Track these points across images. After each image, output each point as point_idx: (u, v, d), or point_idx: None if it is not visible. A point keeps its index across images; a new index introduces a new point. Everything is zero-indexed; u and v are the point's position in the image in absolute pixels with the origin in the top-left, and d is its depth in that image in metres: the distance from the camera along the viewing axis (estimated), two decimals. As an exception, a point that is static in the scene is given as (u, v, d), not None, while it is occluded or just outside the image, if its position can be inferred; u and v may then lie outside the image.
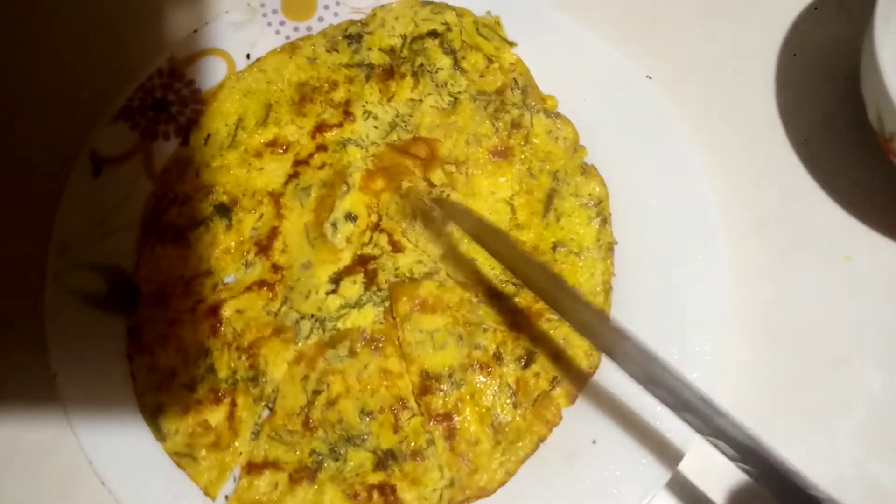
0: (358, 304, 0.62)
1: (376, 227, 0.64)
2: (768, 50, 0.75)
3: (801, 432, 0.62)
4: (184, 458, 0.59)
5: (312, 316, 0.62)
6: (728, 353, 0.61)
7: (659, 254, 0.63)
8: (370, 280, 0.62)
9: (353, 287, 0.62)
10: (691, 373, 0.58)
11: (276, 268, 0.63)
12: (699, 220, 0.64)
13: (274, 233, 0.64)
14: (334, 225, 0.64)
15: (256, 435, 0.60)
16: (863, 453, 0.61)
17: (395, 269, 0.63)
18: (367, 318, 0.62)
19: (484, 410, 0.59)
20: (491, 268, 0.63)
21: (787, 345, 0.64)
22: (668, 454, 0.57)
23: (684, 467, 0.59)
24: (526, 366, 0.60)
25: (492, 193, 0.65)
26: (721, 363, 0.60)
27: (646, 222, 0.64)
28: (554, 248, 0.63)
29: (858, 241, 0.67)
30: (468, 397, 0.59)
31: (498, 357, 0.60)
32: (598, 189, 0.65)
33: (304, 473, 0.58)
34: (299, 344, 0.61)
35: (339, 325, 0.62)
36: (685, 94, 0.69)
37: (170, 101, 0.67)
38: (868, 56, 0.63)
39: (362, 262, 0.63)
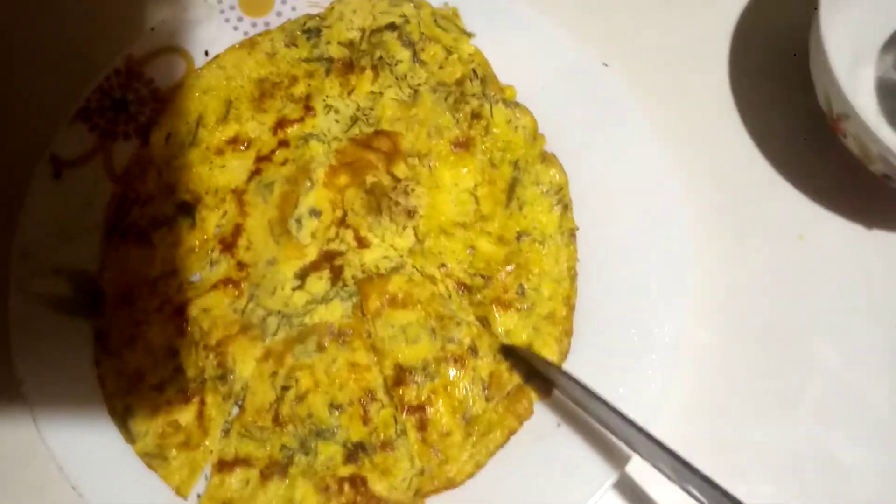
0: (325, 300, 0.62)
1: (341, 222, 0.64)
2: (722, 35, 0.76)
3: (760, 411, 0.64)
4: (154, 458, 0.59)
5: (279, 312, 0.62)
6: (687, 335, 0.62)
7: (620, 239, 0.65)
8: (336, 276, 0.63)
9: (319, 283, 0.63)
10: (650, 355, 0.61)
11: (241, 265, 0.63)
12: (659, 205, 0.65)
13: (238, 230, 0.64)
14: (299, 221, 0.64)
15: (227, 433, 0.60)
16: (821, 430, 0.64)
17: (362, 265, 0.63)
18: (334, 313, 0.62)
19: (457, 403, 0.60)
20: (458, 261, 0.64)
21: (745, 325, 0.66)
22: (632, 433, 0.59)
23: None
24: (502, 359, 0.61)
25: (455, 185, 0.66)
26: (680, 345, 0.61)
27: (607, 208, 0.65)
28: (518, 237, 0.64)
29: (812, 220, 0.69)
30: (441, 389, 0.60)
31: (472, 350, 0.61)
32: (557, 176, 0.66)
33: (275, 469, 0.59)
34: (267, 341, 0.62)
35: (307, 320, 0.62)
36: (641, 80, 0.70)
37: (129, 100, 0.67)
38: (815, 40, 0.65)
39: (328, 258, 0.63)
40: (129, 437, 0.60)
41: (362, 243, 0.64)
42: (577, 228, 0.65)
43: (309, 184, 0.65)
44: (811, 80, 0.68)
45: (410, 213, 0.64)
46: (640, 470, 0.59)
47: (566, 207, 0.65)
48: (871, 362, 0.66)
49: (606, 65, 0.68)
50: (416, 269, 0.63)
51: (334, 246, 0.64)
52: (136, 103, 0.67)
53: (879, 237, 0.69)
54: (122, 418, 0.60)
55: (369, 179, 0.65)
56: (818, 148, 0.70)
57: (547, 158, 0.67)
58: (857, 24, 0.71)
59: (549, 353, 0.61)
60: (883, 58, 0.73)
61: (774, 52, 0.75)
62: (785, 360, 0.65)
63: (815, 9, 0.64)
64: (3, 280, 0.62)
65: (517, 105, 0.68)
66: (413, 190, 0.65)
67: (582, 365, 0.61)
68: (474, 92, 0.68)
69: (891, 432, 0.64)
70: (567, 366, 0.61)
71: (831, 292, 0.67)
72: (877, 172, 0.65)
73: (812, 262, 0.68)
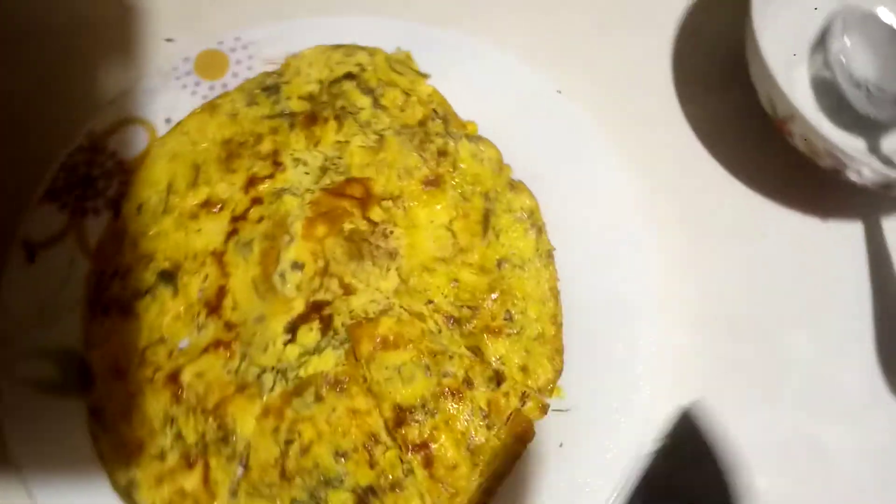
0: (317, 350, 0.63)
1: (325, 272, 0.65)
2: (664, 50, 0.80)
3: (743, 405, 0.66)
4: (166, 529, 0.59)
5: (273, 368, 0.62)
6: (667, 340, 0.64)
7: (593, 256, 0.67)
8: (326, 325, 0.64)
9: (310, 334, 0.63)
10: (636, 366, 0.63)
11: (229, 326, 0.64)
12: (624, 220, 0.68)
13: (222, 292, 0.65)
14: (282, 276, 0.65)
15: (234, 493, 0.60)
16: (802, 417, 0.66)
17: (350, 312, 0.64)
18: (327, 362, 0.63)
19: (459, 435, 0.61)
20: (444, 295, 0.65)
21: (720, 325, 0.69)
22: (632, 447, 0.61)
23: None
24: (498, 385, 0.62)
25: (431, 222, 0.67)
26: (663, 352, 0.63)
27: (578, 227, 0.68)
28: (499, 264, 0.66)
29: (771, 218, 0.73)
30: (443, 424, 0.61)
31: (468, 382, 0.62)
32: (528, 202, 0.68)
33: (289, 524, 0.59)
34: (264, 398, 0.62)
35: (301, 372, 0.62)
36: (593, 103, 0.72)
37: (95, 175, 0.67)
38: (751, 45, 0.69)
39: (316, 309, 0.64)
40: (137, 512, 0.59)
41: (348, 290, 0.65)
42: (554, 249, 0.67)
43: (288, 238, 0.66)
44: (752, 83, 0.71)
45: (392, 255, 0.66)
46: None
47: (540, 230, 0.67)
48: (843, 347, 0.69)
49: (560, 91, 0.71)
50: (404, 309, 0.65)
51: (320, 296, 0.65)
52: (103, 177, 0.67)
53: (835, 227, 0.73)
54: (127, 492, 0.60)
55: (347, 227, 0.66)
56: (768, 148, 0.74)
57: (515, 186, 0.69)
58: (788, 27, 0.75)
59: (544, 372, 0.63)
60: (814, 57, 0.78)
61: (715, 60, 0.79)
62: (762, 354, 0.68)
63: (748, 14, 0.68)
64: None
65: (480, 138, 0.70)
66: (391, 232, 0.66)
67: (575, 381, 0.63)
68: (437, 131, 0.70)
69: (870, 412, 0.67)
70: (561, 382, 0.63)
71: (797, 285, 0.71)
72: (826, 167, 0.69)
73: (775, 258, 0.71)
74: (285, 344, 0.63)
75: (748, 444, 0.65)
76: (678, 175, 0.74)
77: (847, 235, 0.73)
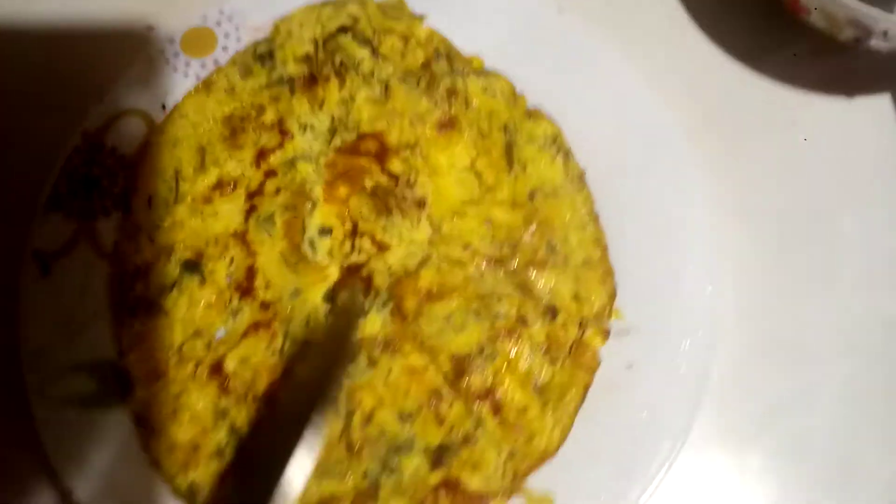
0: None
1: (354, 233, 0.62)
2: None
3: (806, 294, 0.64)
4: (238, 526, 0.56)
5: (320, 339, 0.60)
6: (717, 241, 0.61)
7: (628, 169, 0.64)
8: (367, 287, 0.61)
9: (351, 299, 0.61)
10: (692, 273, 0.60)
11: (265, 305, 0.61)
12: (653, 128, 0.64)
13: (251, 272, 0.61)
14: (311, 244, 0.62)
15: (302, 477, 0.57)
16: (863, 296, 0.64)
17: (388, 269, 0.61)
18: (374, 325, 0.60)
19: (523, 376, 0.58)
20: (480, 237, 0.62)
21: (767, 218, 0.66)
22: (703, 357, 0.58)
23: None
24: (553, 318, 0.59)
25: (452, 166, 0.64)
26: (714, 253, 0.61)
27: (606, 144, 0.64)
28: (531, 196, 0.63)
29: (798, 105, 0.70)
30: (504, 367, 0.58)
31: (522, 320, 0.59)
32: (549, 128, 0.65)
33: (364, 498, 0.56)
34: (317, 372, 0.59)
35: (349, 340, 0.60)
36: (598, 15, 0.69)
37: (97, 175, 0.63)
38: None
39: (353, 272, 0.61)
40: (204, 513, 0.56)
41: (382, 247, 0.62)
42: (585, 171, 0.64)
43: (310, 204, 0.62)
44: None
45: (420, 204, 0.63)
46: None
47: (567, 155, 0.64)
48: (893, 220, 0.67)
49: (562, 9, 0.68)
50: (442, 258, 0.62)
51: (355, 258, 0.62)
52: (106, 176, 0.64)
53: (863, 104, 0.70)
54: (190, 497, 0.57)
55: (368, 183, 0.63)
56: (782, 35, 0.71)
57: (533, 115, 0.66)
58: None
59: (598, 297, 0.60)
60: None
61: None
62: (814, 241, 0.66)
63: None
64: (20, 392, 0.58)
65: (488, 73, 0.67)
66: (415, 180, 0.63)
67: (631, 301, 0.61)
68: (443, 71, 0.66)
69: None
70: (618, 304, 0.61)
71: (835, 166, 0.68)
72: (847, 40, 0.66)
73: (808, 144, 0.69)
74: (327, 314, 0.60)
75: (816, 332, 0.63)
76: (696, 77, 0.70)
77: (877, 110, 0.70)
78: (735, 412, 0.61)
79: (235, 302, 0.61)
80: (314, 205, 0.63)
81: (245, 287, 0.61)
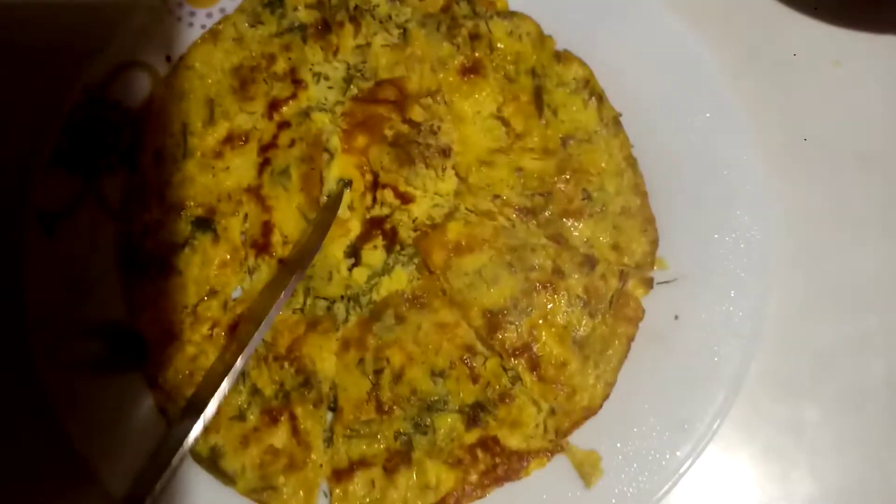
0: (386, 271, 0.57)
1: (375, 184, 0.59)
2: None
3: (859, 240, 0.61)
4: (263, 492, 0.53)
5: (344, 297, 0.56)
6: (764, 183, 0.58)
7: (667, 111, 0.60)
8: (391, 241, 0.57)
9: (374, 253, 0.57)
10: (739, 216, 0.57)
11: (283, 263, 0.57)
12: (691, 66, 0.61)
13: (267, 227, 0.58)
14: (330, 197, 0.58)
15: (329, 441, 0.54)
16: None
17: (413, 221, 0.58)
18: (400, 280, 0.57)
19: (561, 329, 0.55)
20: (510, 187, 0.58)
21: (813, 158, 0.63)
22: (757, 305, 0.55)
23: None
24: (591, 269, 0.56)
25: (477, 113, 0.60)
26: (762, 195, 0.57)
27: (642, 86, 0.61)
28: (563, 143, 0.60)
29: (840, 42, 0.66)
30: (541, 321, 0.55)
31: (558, 271, 0.56)
32: (580, 71, 0.61)
33: (397, 459, 0.53)
34: (340, 331, 0.55)
35: (374, 296, 0.56)
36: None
37: (101, 130, 0.60)
38: None
39: (376, 225, 0.58)
40: (227, 479, 0.53)
41: (405, 199, 0.58)
42: (620, 114, 0.60)
43: (327, 156, 0.59)
44: None
45: (445, 152, 0.59)
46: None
47: (600, 98, 0.61)
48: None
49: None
50: (470, 210, 0.58)
51: (377, 211, 0.58)
52: (111, 131, 0.60)
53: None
54: (212, 462, 0.53)
55: (388, 132, 0.59)
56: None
57: (562, 57, 0.62)
58: None
59: (639, 246, 0.57)
60: None
61: None
62: (867, 185, 0.62)
63: None
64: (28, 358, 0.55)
65: (513, 13, 0.63)
66: (439, 127, 0.59)
67: (676, 249, 0.57)
68: (464, 13, 0.63)
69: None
70: (661, 253, 0.57)
71: (887, 109, 0.65)
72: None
73: (858, 86, 0.65)
74: (350, 269, 0.57)
75: (871, 279, 0.60)
76: (736, 16, 0.67)
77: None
78: (788, 363, 0.57)
79: (252, 260, 0.57)
80: (332, 156, 0.59)
81: (262, 244, 0.58)
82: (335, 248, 0.57)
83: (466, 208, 0.58)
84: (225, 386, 0.53)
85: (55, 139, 0.59)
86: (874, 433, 0.57)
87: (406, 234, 0.57)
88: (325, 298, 0.56)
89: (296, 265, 0.55)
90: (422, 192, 0.59)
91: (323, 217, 0.57)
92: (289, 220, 0.58)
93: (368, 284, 0.56)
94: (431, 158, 0.59)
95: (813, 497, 0.56)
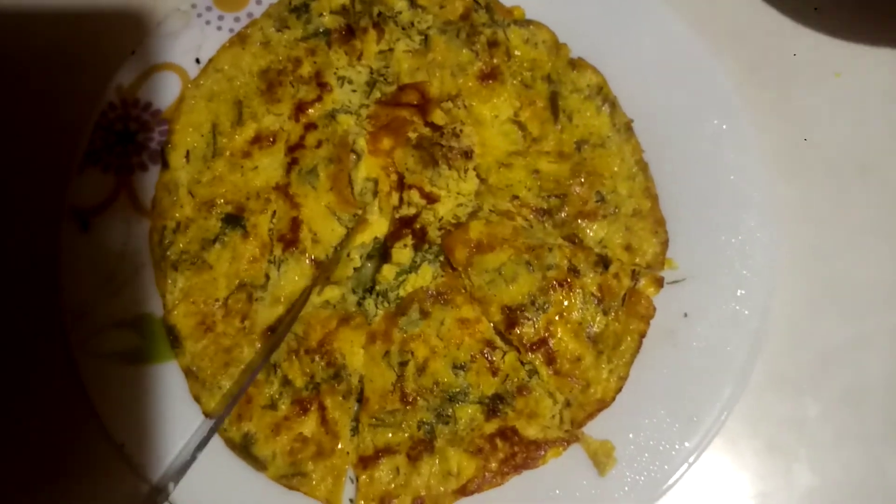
0: (413, 269, 0.59)
1: (400, 185, 0.61)
2: None
3: (859, 243, 0.64)
4: (293, 478, 0.55)
5: (372, 291, 0.59)
6: (771, 189, 0.61)
7: (678, 118, 0.63)
8: (420, 239, 0.60)
9: (404, 251, 0.59)
10: (747, 219, 0.60)
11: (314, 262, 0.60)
12: (702, 74, 0.63)
13: (295, 224, 0.60)
14: (362, 196, 0.61)
15: (356, 429, 0.56)
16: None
17: (439, 220, 0.60)
18: (425, 277, 0.59)
19: (576, 325, 0.58)
20: (527, 188, 0.61)
21: (816, 165, 0.66)
22: (762, 303, 0.58)
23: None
24: (605, 268, 0.59)
25: (495, 117, 0.63)
26: (769, 199, 0.60)
27: (653, 93, 0.64)
28: (578, 147, 0.62)
29: (840, 55, 0.69)
30: (557, 317, 0.58)
31: (573, 270, 0.59)
32: (593, 78, 0.64)
33: (421, 447, 0.56)
34: (371, 325, 0.58)
35: (401, 292, 0.59)
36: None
37: (132, 130, 0.62)
38: None
39: (405, 224, 0.60)
40: (259, 465, 0.55)
41: (431, 199, 0.61)
42: (632, 121, 0.63)
43: (354, 157, 0.61)
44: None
45: (467, 154, 0.62)
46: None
47: (613, 104, 0.63)
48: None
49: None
50: (491, 210, 0.61)
51: (405, 211, 0.61)
52: (142, 131, 0.62)
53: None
54: (244, 449, 0.56)
55: (412, 135, 0.62)
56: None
57: (577, 64, 0.64)
58: None
59: (650, 247, 0.60)
60: None
61: None
62: (865, 192, 0.65)
63: None
64: (64, 350, 0.57)
65: (530, 22, 0.65)
66: (461, 130, 0.62)
67: (685, 249, 0.60)
68: (483, 21, 0.65)
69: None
70: (671, 253, 0.60)
71: (885, 121, 0.67)
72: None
73: (858, 97, 0.68)
74: (379, 267, 0.60)
75: (870, 281, 0.63)
76: (742, 24, 0.69)
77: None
78: (791, 361, 0.60)
79: (279, 251, 0.60)
80: (359, 157, 0.62)
81: (289, 238, 0.60)
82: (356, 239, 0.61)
83: (487, 208, 0.61)
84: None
85: (89, 138, 0.61)
86: (872, 429, 0.60)
87: (434, 233, 0.60)
88: (356, 294, 0.59)
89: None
90: (445, 192, 0.61)
91: None
92: (318, 217, 0.60)
93: (397, 281, 0.59)
94: (454, 160, 0.61)
95: (813, 489, 0.59)
